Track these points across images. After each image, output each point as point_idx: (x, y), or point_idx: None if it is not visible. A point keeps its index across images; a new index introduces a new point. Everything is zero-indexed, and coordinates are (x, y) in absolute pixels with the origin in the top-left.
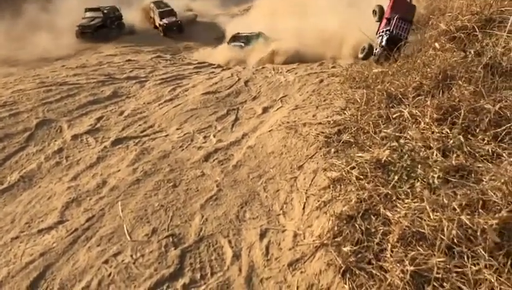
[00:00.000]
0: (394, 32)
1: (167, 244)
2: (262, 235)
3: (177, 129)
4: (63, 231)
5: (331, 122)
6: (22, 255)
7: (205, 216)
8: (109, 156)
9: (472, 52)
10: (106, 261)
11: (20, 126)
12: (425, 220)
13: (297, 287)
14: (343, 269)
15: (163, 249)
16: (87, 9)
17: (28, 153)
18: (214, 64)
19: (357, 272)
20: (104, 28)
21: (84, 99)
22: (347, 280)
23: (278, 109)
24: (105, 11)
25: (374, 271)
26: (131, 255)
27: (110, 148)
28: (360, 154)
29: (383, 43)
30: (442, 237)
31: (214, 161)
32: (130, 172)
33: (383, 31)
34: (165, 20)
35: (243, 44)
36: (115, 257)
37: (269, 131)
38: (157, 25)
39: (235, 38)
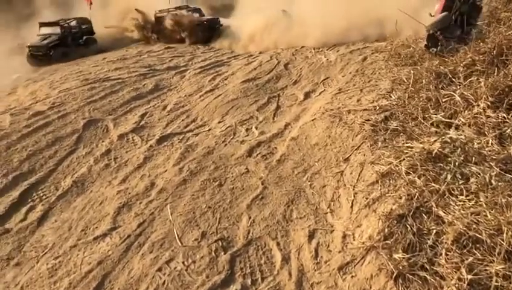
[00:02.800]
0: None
1: (217, 249)
2: (310, 237)
3: (219, 122)
4: (116, 238)
5: (377, 107)
6: (81, 264)
7: (252, 217)
8: (155, 155)
9: None
10: (160, 269)
11: (69, 128)
12: (482, 222)
13: None
14: (395, 274)
15: (213, 254)
16: (42, 24)
17: (78, 156)
18: None
19: (410, 277)
20: (62, 46)
21: (127, 95)
22: (400, 285)
23: (320, 93)
24: (65, 25)
25: (428, 277)
26: (183, 262)
27: (155, 147)
28: (409, 145)
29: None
30: (502, 241)
31: (257, 155)
32: (177, 172)
33: None
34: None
35: None
36: (168, 264)
37: (312, 120)
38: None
39: None
